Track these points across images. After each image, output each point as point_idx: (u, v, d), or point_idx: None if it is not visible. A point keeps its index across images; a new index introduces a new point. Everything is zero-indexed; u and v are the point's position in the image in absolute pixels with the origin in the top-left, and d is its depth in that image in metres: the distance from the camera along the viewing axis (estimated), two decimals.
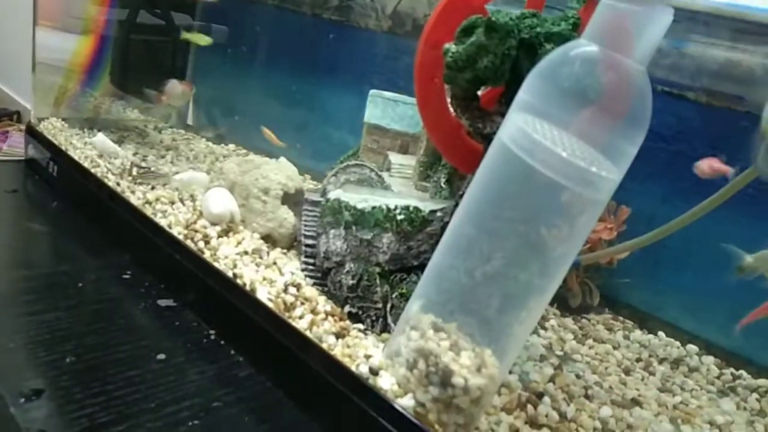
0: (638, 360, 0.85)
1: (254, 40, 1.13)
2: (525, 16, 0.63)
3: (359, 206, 0.73)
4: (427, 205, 0.71)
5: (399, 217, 0.71)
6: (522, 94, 0.53)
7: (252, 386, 0.70)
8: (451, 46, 0.63)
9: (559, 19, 0.61)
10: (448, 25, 0.66)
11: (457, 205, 0.68)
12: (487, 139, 0.65)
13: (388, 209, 0.71)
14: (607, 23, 0.50)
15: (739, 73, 0.82)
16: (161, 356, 0.71)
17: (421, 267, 0.69)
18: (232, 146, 1.29)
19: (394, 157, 0.83)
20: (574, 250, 0.55)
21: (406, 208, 0.71)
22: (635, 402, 0.73)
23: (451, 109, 0.69)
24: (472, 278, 0.57)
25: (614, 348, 0.86)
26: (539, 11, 0.64)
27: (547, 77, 0.51)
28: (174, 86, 1.11)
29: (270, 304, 0.74)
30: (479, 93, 0.69)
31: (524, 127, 0.51)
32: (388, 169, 0.86)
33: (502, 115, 0.64)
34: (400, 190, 0.79)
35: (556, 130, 0.50)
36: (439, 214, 0.70)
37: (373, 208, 0.72)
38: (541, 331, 0.86)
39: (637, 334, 0.90)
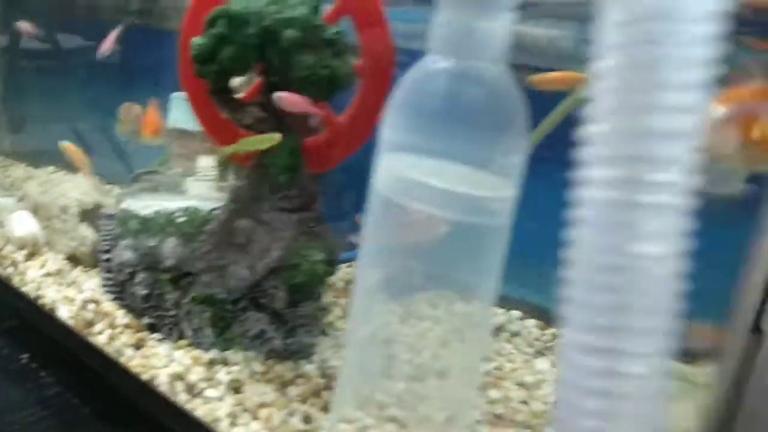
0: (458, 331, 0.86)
1: (57, 53, 1.10)
2: (268, 3, 0.62)
3: (142, 213, 0.71)
4: (207, 204, 0.70)
5: (179, 220, 0.69)
6: (384, 134, 0.47)
7: (58, 404, 0.70)
8: (195, 40, 0.62)
9: (297, 3, 0.61)
10: (201, 19, 0.64)
11: (232, 200, 0.67)
12: (249, 128, 0.64)
13: (169, 213, 0.70)
14: (449, 32, 0.44)
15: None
16: None
17: (209, 269, 0.68)
18: (51, 168, 1.22)
19: (202, 161, 0.82)
20: (491, 280, 0.51)
21: (186, 209, 0.69)
22: (442, 374, 0.74)
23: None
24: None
25: (435, 324, 0.87)
26: None
27: (403, 108, 0.46)
28: None
29: (71, 323, 0.74)
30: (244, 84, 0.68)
31: (393, 167, 0.46)
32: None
33: (261, 105, 0.64)
34: (200, 192, 0.77)
35: (429, 160, 0.44)
36: (216, 211, 0.68)
37: (156, 213, 0.71)
38: None
39: (460, 306, 0.92)
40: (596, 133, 0.23)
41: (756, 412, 0.39)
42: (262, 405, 0.62)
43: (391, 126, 0.46)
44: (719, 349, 0.42)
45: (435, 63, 0.44)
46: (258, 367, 0.67)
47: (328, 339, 0.73)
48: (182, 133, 0.81)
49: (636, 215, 0.23)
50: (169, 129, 0.81)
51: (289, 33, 0.60)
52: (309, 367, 0.68)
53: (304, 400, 0.64)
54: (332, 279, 0.87)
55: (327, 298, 0.81)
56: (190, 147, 0.81)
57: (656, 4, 0.20)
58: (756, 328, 0.41)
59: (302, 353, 0.68)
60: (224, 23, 0.61)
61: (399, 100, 0.46)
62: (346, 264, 0.90)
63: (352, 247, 0.85)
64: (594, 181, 0.24)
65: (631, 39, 0.21)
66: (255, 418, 0.61)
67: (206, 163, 0.76)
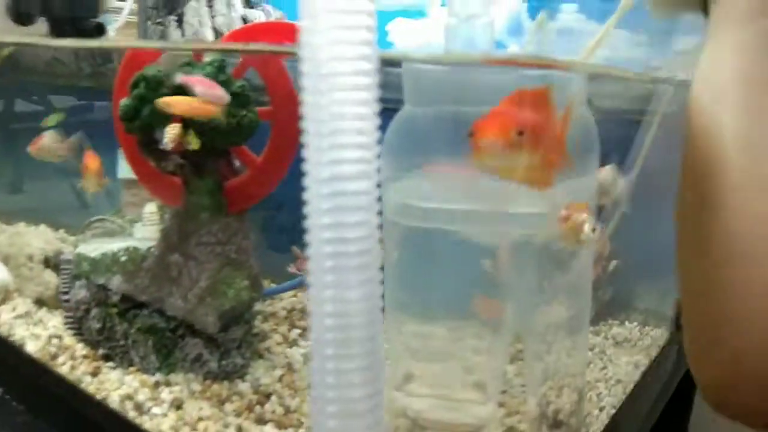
0: None
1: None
2: (181, 65, 0.71)
3: (91, 255, 0.80)
4: (145, 244, 0.78)
5: (122, 259, 0.78)
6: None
7: (28, 426, 0.75)
8: (122, 101, 0.71)
9: (206, 65, 0.70)
10: (128, 82, 0.74)
11: (163, 238, 0.76)
12: (173, 174, 0.73)
13: (113, 253, 0.78)
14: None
15: None
16: None
17: (150, 301, 0.76)
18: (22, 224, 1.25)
19: (148, 207, 0.90)
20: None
21: (127, 249, 0.78)
22: None
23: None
24: None
25: None
26: (198, 61, 0.72)
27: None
28: None
29: (38, 356, 0.81)
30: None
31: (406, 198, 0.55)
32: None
33: (181, 153, 0.73)
34: (144, 235, 0.86)
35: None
36: (152, 250, 0.77)
37: (102, 255, 0.79)
38: None
39: None
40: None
41: None
42: (200, 419, 0.70)
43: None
44: None
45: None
46: (197, 386, 0.74)
47: (264, 361, 0.80)
48: (131, 182, 0.90)
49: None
50: (120, 179, 0.90)
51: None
52: (243, 386, 0.75)
53: (238, 415, 0.71)
54: (274, 308, 0.96)
55: (267, 325, 0.89)
56: (139, 195, 0.90)
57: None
58: None
59: (237, 373, 0.76)
60: (144, 85, 0.70)
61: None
62: (291, 294, 0.98)
63: (292, 276, 0.93)
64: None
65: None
66: (194, 430, 0.69)
67: (151, 209, 0.85)
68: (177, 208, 0.74)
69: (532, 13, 0.83)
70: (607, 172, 0.75)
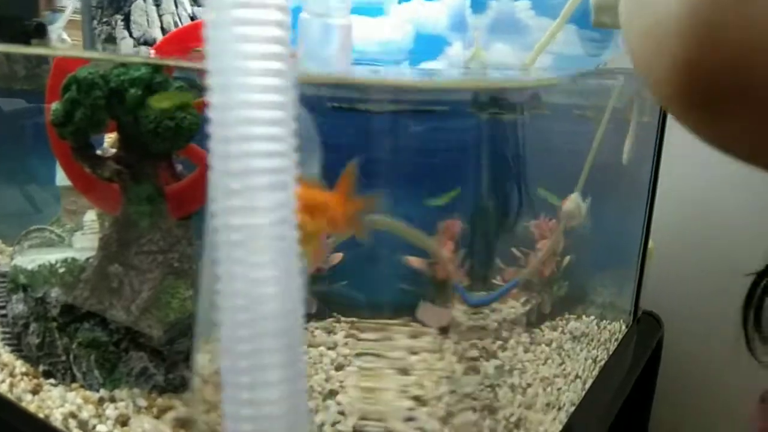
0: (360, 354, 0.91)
1: None
2: (113, 67, 0.68)
3: (28, 267, 0.76)
4: (84, 254, 0.75)
5: (60, 270, 0.74)
6: None
7: None
8: (53, 105, 0.68)
9: (141, 65, 0.67)
10: (58, 87, 0.70)
11: (102, 247, 0.72)
12: (110, 180, 0.70)
13: (51, 265, 0.74)
14: None
15: None
16: None
17: (90, 314, 0.73)
18: None
19: (88, 215, 0.86)
20: None
21: (65, 260, 0.74)
22: (333, 393, 0.79)
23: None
24: None
25: (329, 348, 0.91)
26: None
27: None
28: None
29: None
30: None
31: None
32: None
33: (117, 158, 0.70)
34: (84, 245, 0.82)
35: None
36: (91, 260, 0.73)
37: (40, 266, 0.75)
38: None
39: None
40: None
41: None
42: None
43: None
44: None
45: None
46: (142, 401, 0.71)
47: None
48: (69, 190, 0.86)
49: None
50: (59, 186, 0.86)
51: (133, 92, 0.66)
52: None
53: (184, 429, 0.69)
54: None
55: None
56: (80, 203, 0.86)
57: None
58: None
59: (184, 387, 0.73)
60: (75, 88, 0.66)
61: None
62: None
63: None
64: None
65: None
66: None
67: (90, 217, 0.81)
68: (116, 216, 0.71)
69: (476, 7, 0.82)
70: (572, 201, 0.75)
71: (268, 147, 0.26)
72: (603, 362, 0.86)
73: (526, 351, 0.75)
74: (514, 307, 0.74)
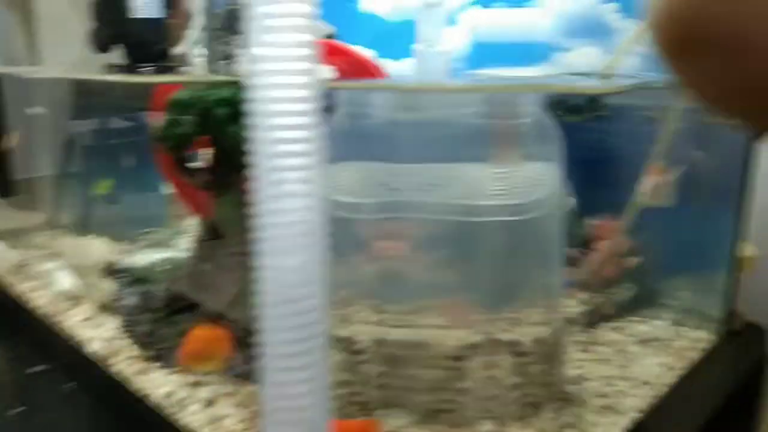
0: None
1: None
2: (206, 88, 0.77)
3: (139, 265, 0.88)
4: (184, 254, 0.85)
5: (164, 268, 0.85)
6: None
7: (91, 416, 0.88)
8: (156, 122, 0.78)
9: (225, 88, 0.76)
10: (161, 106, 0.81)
11: (195, 249, 0.82)
12: (203, 189, 0.79)
13: (155, 263, 0.85)
14: None
15: None
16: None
17: (190, 306, 0.83)
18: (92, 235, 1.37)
19: (190, 219, 0.98)
20: None
21: (168, 259, 0.85)
22: None
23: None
24: None
25: None
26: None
27: None
28: None
29: (101, 353, 0.90)
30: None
31: None
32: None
33: (209, 169, 0.79)
34: (186, 246, 0.93)
35: None
36: (188, 259, 0.83)
37: (148, 264, 0.87)
38: None
39: None
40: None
41: None
42: (226, 416, 0.76)
43: None
44: None
45: None
46: (228, 388, 0.80)
47: None
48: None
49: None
50: (167, 194, 0.98)
51: (219, 111, 0.74)
52: None
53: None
54: None
55: None
56: (184, 209, 0.97)
57: None
58: None
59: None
60: (175, 108, 0.76)
61: None
62: None
63: None
64: None
65: None
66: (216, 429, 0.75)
67: (192, 222, 0.91)
68: (208, 221, 0.80)
69: None
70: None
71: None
72: (682, 372, 0.83)
73: (583, 351, 0.75)
74: (568, 306, 0.74)
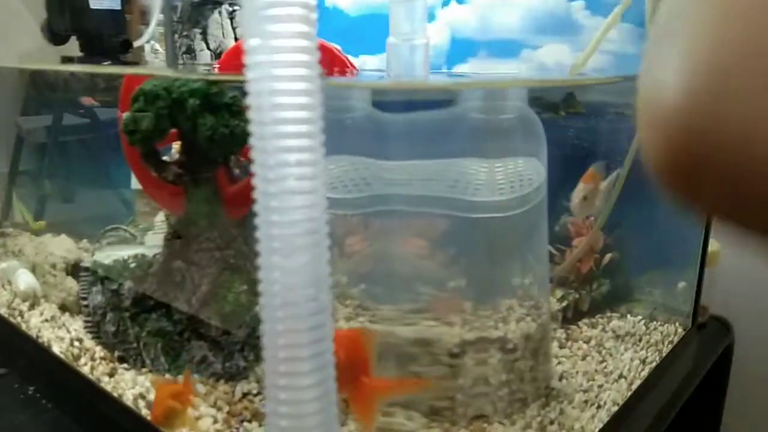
0: None
1: None
2: (176, 80, 0.74)
3: (105, 262, 0.84)
4: (153, 250, 0.82)
5: (132, 266, 0.82)
6: None
7: (54, 421, 0.82)
8: (124, 115, 0.75)
9: (197, 79, 0.73)
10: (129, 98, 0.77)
11: (166, 245, 0.79)
12: (173, 183, 0.76)
13: (124, 260, 0.82)
14: None
15: None
16: None
17: (159, 305, 0.80)
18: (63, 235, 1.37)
19: (159, 215, 0.94)
20: None
21: (135, 256, 0.82)
22: None
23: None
24: None
25: None
26: None
27: None
28: None
29: (63, 357, 0.87)
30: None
31: None
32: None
33: (179, 163, 0.76)
34: (154, 243, 0.90)
35: None
36: (158, 256, 0.80)
37: (114, 261, 0.83)
38: None
39: None
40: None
41: None
42: (201, 418, 0.73)
43: None
44: None
45: None
46: (202, 388, 0.77)
47: None
48: (143, 194, 0.94)
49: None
50: (134, 189, 0.95)
51: (191, 101, 0.72)
52: (247, 387, 0.78)
53: (236, 415, 0.74)
54: None
55: None
56: (152, 204, 0.94)
57: None
58: None
59: (240, 375, 0.78)
60: (143, 99, 0.73)
61: None
62: None
63: None
64: None
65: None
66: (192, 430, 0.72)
67: (161, 217, 0.88)
68: (179, 216, 0.77)
69: None
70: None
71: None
72: (654, 364, 0.85)
73: (561, 347, 0.75)
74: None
